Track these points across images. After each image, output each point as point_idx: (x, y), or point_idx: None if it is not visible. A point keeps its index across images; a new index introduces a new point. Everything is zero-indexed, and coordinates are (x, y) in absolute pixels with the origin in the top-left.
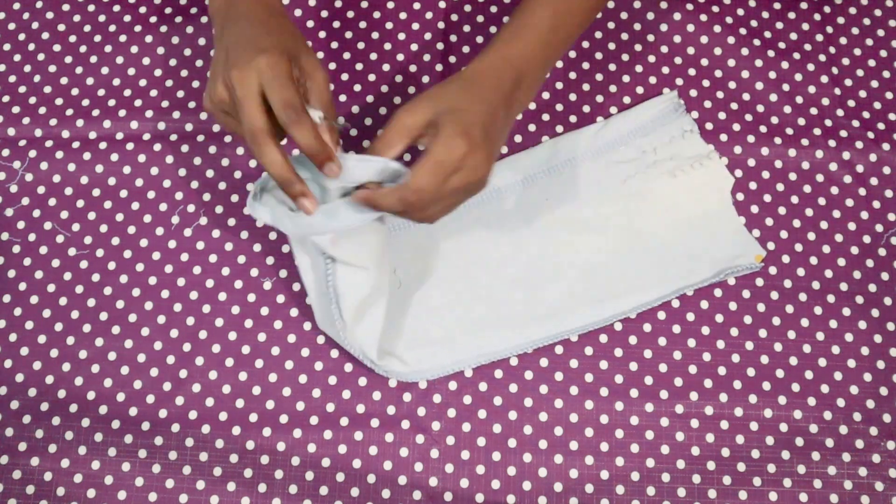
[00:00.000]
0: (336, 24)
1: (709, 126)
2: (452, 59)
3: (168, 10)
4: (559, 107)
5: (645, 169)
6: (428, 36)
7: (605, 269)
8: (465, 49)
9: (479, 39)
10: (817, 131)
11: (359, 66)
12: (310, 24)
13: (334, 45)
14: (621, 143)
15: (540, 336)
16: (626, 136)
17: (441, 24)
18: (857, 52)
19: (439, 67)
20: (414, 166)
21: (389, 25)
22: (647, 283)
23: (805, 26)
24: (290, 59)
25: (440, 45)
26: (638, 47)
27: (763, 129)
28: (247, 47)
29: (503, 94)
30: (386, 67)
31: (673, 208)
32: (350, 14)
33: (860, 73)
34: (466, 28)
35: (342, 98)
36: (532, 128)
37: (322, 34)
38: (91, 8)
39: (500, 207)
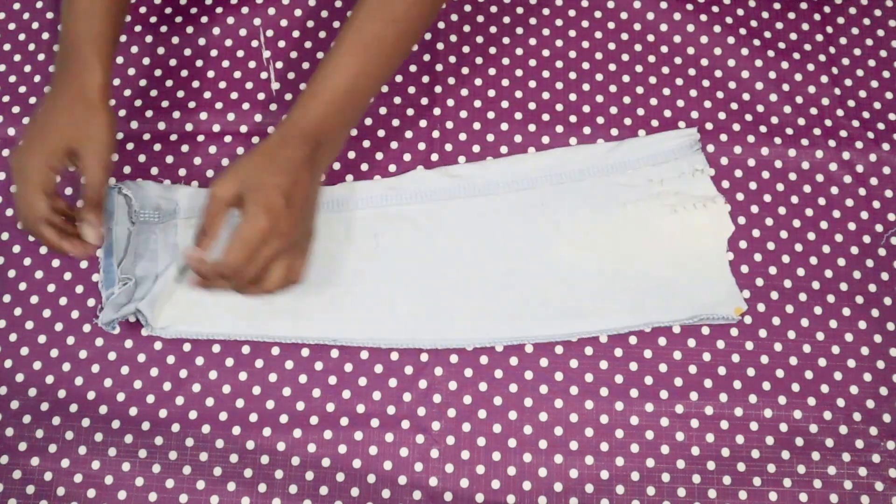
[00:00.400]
0: (336, 24)
1: (709, 126)
2: (452, 59)
3: (168, 10)
4: (559, 107)
5: (647, 198)
6: (428, 36)
7: (581, 284)
8: (465, 49)
9: (479, 39)
10: (817, 131)
11: None
12: (310, 23)
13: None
14: (630, 167)
15: (502, 336)
16: (637, 162)
17: (441, 24)
18: (857, 52)
19: (439, 67)
20: (226, 244)
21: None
22: (620, 308)
23: (805, 26)
24: (64, 156)
25: (440, 45)
26: (638, 47)
27: (763, 129)
28: (29, 138)
29: (302, 162)
30: None
31: (665, 243)
32: (350, 14)
33: (860, 73)
34: (466, 28)
35: None
36: (532, 128)
37: (322, 34)
38: None
39: (493, 202)
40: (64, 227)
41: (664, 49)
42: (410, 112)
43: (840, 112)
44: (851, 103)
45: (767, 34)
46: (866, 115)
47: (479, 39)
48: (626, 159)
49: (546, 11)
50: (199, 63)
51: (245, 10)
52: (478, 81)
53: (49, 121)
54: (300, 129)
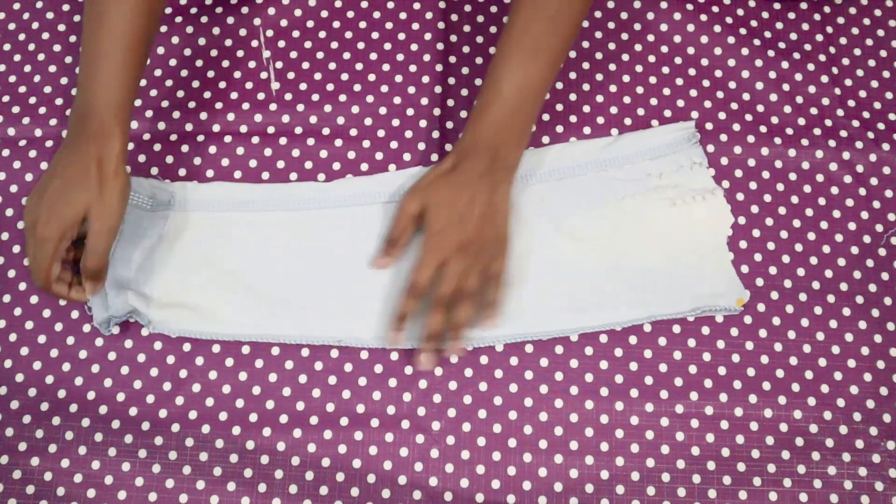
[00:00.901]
0: (336, 24)
1: (709, 126)
2: (452, 58)
3: (168, 10)
4: (559, 107)
5: (645, 192)
6: (428, 36)
7: (581, 279)
8: (465, 49)
9: (479, 39)
10: (817, 131)
11: (359, 66)
12: (310, 23)
13: (334, 45)
14: (628, 161)
15: (503, 333)
16: (634, 156)
17: (441, 24)
18: (857, 52)
19: (439, 67)
20: (414, 265)
21: (389, 25)
22: (621, 303)
23: (805, 26)
24: (78, 225)
25: (440, 45)
26: (638, 47)
27: (763, 129)
28: (48, 203)
29: (480, 175)
30: (386, 67)
31: (664, 236)
32: (350, 14)
33: (860, 73)
34: (466, 28)
35: (342, 98)
36: (532, 128)
37: (322, 34)
38: None
39: None
40: (70, 279)
41: (664, 49)
42: (410, 112)
43: (840, 112)
44: (851, 103)
45: (767, 34)
46: (866, 115)
47: (480, 39)
48: (623, 154)
49: None
50: (199, 63)
51: (245, 10)
52: (478, 81)
53: (67, 188)
54: (474, 144)
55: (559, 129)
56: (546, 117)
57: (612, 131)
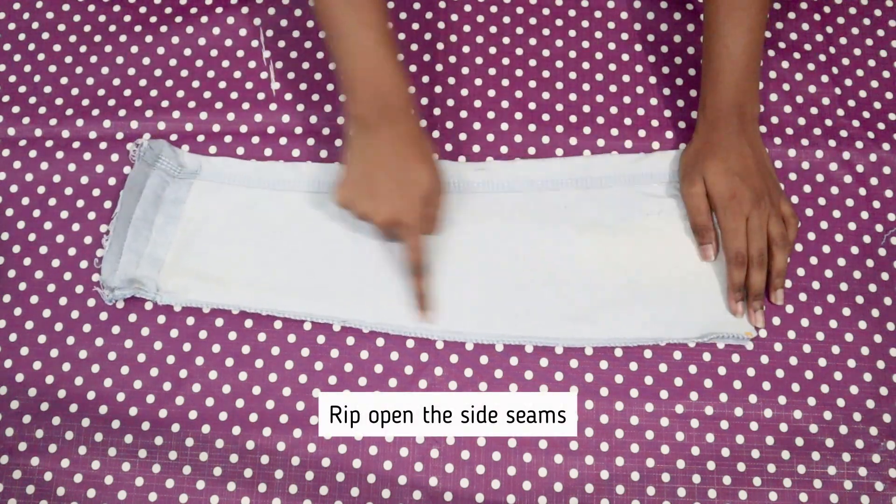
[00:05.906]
0: None
1: None
2: (452, 59)
3: (168, 10)
4: (559, 107)
5: (671, 212)
6: (428, 36)
7: (595, 290)
8: (465, 49)
9: (480, 40)
10: (817, 131)
11: None
12: (310, 23)
13: None
14: (657, 180)
15: (510, 333)
16: (665, 175)
17: (441, 25)
18: (857, 52)
19: (439, 67)
20: (722, 239)
21: (389, 25)
22: (632, 319)
23: (805, 26)
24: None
25: (440, 45)
26: (638, 47)
27: (763, 129)
28: (398, 190)
29: (736, 135)
30: None
31: (684, 261)
32: None
33: (860, 73)
34: (466, 28)
35: (342, 98)
36: (532, 128)
37: (322, 34)
38: (91, 8)
39: (517, 200)
40: None
41: (664, 49)
42: None
43: (840, 112)
44: (851, 103)
45: (767, 34)
46: (866, 115)
47: (480, 39)
48: (654, 171)
49: (546, 11)
50: (199, 63)
51: (245, 10)
52: (478, 81)
53: (405, 171)
54: (720, 109)
55: (559, 129)
56: (546, 117)
57: (612, 131)
